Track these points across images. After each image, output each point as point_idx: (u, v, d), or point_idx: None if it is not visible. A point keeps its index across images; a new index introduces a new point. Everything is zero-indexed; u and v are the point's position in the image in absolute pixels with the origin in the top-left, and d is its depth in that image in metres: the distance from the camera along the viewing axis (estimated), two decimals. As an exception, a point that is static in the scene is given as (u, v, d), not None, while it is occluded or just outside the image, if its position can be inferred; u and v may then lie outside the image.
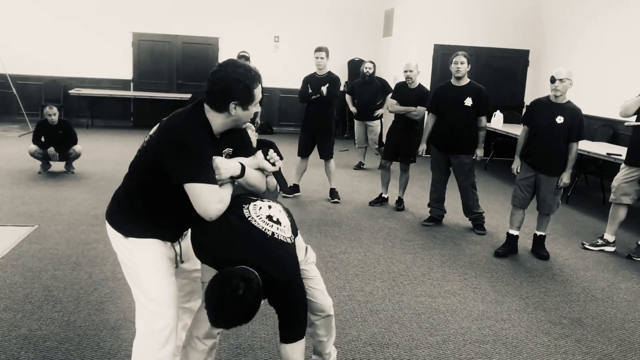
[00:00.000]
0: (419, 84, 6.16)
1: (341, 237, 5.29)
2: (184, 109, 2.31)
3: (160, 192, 2.25)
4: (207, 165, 2.16)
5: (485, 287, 4.28)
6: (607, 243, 5.27)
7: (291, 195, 6.58)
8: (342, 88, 8.87)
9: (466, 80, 5.50)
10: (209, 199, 2.13)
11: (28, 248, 4.55)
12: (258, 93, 2.24)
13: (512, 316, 3.79)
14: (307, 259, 2.65)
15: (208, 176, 2.14)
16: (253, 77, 2.21)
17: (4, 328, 3.24)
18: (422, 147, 5.92)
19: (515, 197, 5.04)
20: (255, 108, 2.31)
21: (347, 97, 8.84)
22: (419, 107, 6.02)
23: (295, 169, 6.72)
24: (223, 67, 2.21)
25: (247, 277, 2.07)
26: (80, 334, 3.21)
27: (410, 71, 6.07)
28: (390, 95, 6.65)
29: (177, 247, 2.45)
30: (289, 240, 2.30)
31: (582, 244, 5.38)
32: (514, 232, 5.07)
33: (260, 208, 2.30)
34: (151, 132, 2.31)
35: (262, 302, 2.16)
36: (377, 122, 8.26)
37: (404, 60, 6.47)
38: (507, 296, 4.12)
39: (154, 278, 2.32)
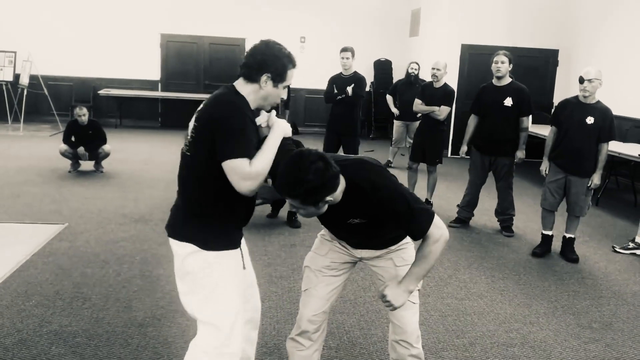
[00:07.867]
0: (445, 83, 6.09)
1: (366, 237, 5.26)
2: (214, 94, 2.25)
3: (225, 183, 2.10)
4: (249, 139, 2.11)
5: (513, 289, 4.22)
6: (639, 246, 5.16)
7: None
8: (367, 88, 8.84)
9: (507, 80, 5.41)
10: (246, 172, 2.06)
11: (58, 246, 4.63)
12: (291, 75, 2.24)
13: (540, 319, 3.73)
14: None
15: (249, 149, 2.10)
16: (290, 58, 2.22)
17: (35, 323, 3.31)
18: (464, 148, 5.83)
19: (545, 200, 4.96)
20: (283, 92, 2.29)
21: (388, 98, 8.81)
22: (442, 107, 5.96)
23: (321, 170, 6.71)
24: (265, 42, 2.23)
25: (324, 157, 2.04)
26: (108, 331, 3.26)
27: (438, 69, 5.99)
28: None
29: (244, 247, 2.35)
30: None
31: (613, 247, 5.28)
32: (548, 233, 5.02)
33: None
34: (190, 131, 2.21)
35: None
36: (418, 122, 8.24)
37: (431, 61, 6.41)
38: (535, 299, 4.06)
39: (233, 297, 2.21)
